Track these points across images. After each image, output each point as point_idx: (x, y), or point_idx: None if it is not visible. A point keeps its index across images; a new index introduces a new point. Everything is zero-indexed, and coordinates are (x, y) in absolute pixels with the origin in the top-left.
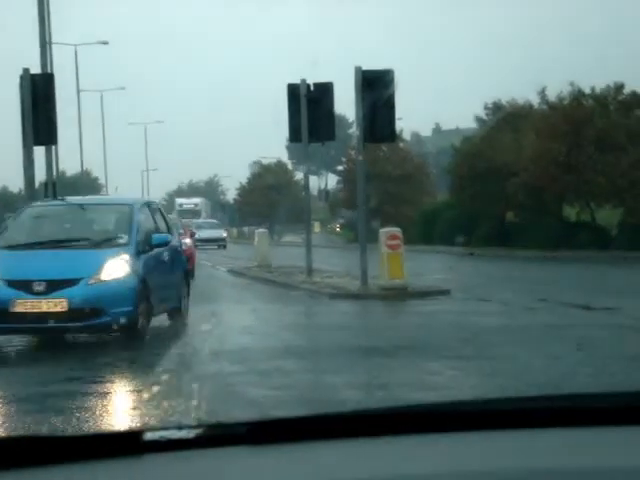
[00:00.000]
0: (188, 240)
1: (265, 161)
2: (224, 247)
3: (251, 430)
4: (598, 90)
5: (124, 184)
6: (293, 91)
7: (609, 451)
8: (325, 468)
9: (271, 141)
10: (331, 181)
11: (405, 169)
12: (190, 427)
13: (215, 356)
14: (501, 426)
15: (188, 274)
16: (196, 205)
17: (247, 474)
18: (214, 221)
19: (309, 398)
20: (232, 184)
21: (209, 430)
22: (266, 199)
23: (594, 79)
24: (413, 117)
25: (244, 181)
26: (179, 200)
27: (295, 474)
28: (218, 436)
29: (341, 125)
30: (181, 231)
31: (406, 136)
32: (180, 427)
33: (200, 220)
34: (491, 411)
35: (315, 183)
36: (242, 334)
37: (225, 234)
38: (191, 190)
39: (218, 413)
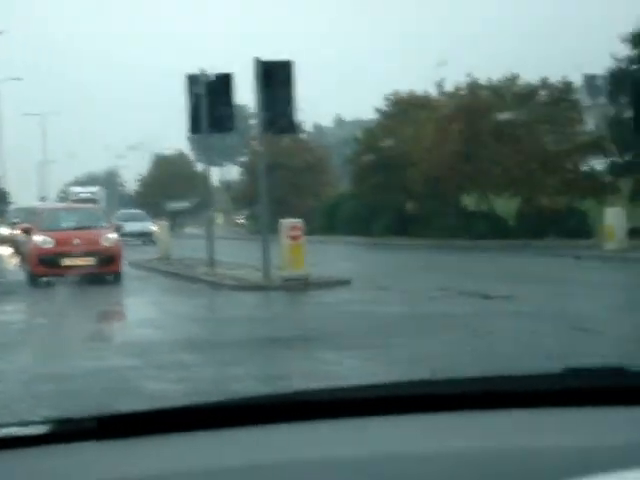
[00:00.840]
0: (113, 235)
1: (166, 152)
2: (153, 243)
3: (102, 424)
4: (494, 81)
5: (21, 177)
6: (193, 82)
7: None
8: (174, 460)
9: (172, 132)
10: (234, 172)
11: (307, 160)
12: (38, 423)
13: (111, 350)
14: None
15: None
16: (93, 194)
17: (96, 470)
18: (140, 211)
19: (208, 391)
20: (132, 176)
21: (58, 426)
22: (167, 190)
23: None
24: (315, 108)
25: (145, 172)
26: (74, 189)
27: (144, 468)
28: (68, 432)
29: (243, 116)
30: (104, 224)
31: (308, 127)
32: (27, 423)
33: (125, 210)
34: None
35: (218, 174)
36: (141, 327)
37: (154, 227)
38: (90, 181)
39: (113, 407)
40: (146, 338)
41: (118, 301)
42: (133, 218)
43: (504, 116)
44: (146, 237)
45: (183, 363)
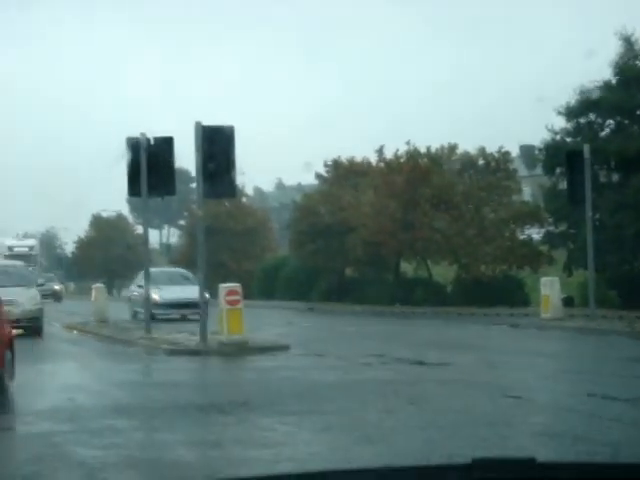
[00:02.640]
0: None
1: (105, 214)
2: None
3: None
4: (433, 150)
5: None
6: (133, 145)
7: None
8: None
9: (113, 194)
10: (173, 235)
11: (247, 224)
12: None
13: (43, 415)
14: None
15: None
16: (31, 248)
17: None
18: (181, 270)
19: (139, 458)
20: (70, 237)
21: None
22: (106, 253)
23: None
24: (256, 172)
25: (83, 234)
26: (7, 242)
27: None
28: None
29: (183, 179)
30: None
31: (249, 191)
32: None
33: (159, 269)
34: None
35: (157, 237)
36: (73, 392)
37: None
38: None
39: (42, 475)
40: (76, 403)
41: (48, 364)
42: (171, 280)
43: (443, 184)
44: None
45: (114, 428)
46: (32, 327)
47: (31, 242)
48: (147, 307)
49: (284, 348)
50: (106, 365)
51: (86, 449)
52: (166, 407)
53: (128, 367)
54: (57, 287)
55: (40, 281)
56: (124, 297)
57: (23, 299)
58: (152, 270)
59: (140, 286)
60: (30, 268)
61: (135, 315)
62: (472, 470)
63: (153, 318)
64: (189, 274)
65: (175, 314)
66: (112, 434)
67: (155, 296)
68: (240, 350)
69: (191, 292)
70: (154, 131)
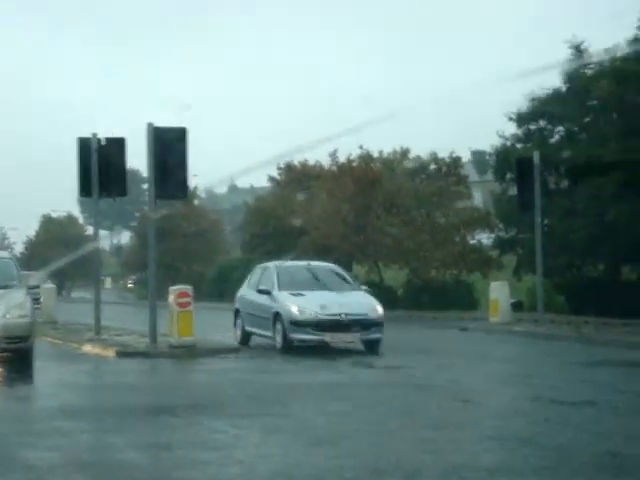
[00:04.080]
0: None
1: (55, 214)
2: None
3: None
4: (385, 154)
5: None
6: (84, 145)
7: None
8: None
9: (63, 194)
10: (125, 237)
11: (200, 226)
12: None
13: None
14: None
15: None
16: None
17: None
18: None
19: (87, 460)
20: (20, 237)
21: None
22: (55, 253)
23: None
24: (208, 174)
25: (33, 235)
26: None
27: None
28: None
29: (135, 180)
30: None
31: (201, 193)
32: None
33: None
34: None
35: (108, 238)
36: (19, 394)
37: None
38: None
39: None
40: (23, 405)
41: None
42: (318, 283)
43: (394, 188)
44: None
45: (62, 430)
46: (16, 352)
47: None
48: (97, 310)
49: (234, 350)
50: (55, 366)
51: (32, 451)
52: (115, 409)
53: (77, 369)
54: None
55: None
56: (74, 298)
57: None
58: (276, 265)
59: (263, 291)
60: None
61: (247, 337)
62: None
63: (290, 345)
64: (344, 272)
65: (329, 339)
66: (60, 436)
67: (293, 308)
68: (190, 352)
69: (358, 303)
70: (106, 132)
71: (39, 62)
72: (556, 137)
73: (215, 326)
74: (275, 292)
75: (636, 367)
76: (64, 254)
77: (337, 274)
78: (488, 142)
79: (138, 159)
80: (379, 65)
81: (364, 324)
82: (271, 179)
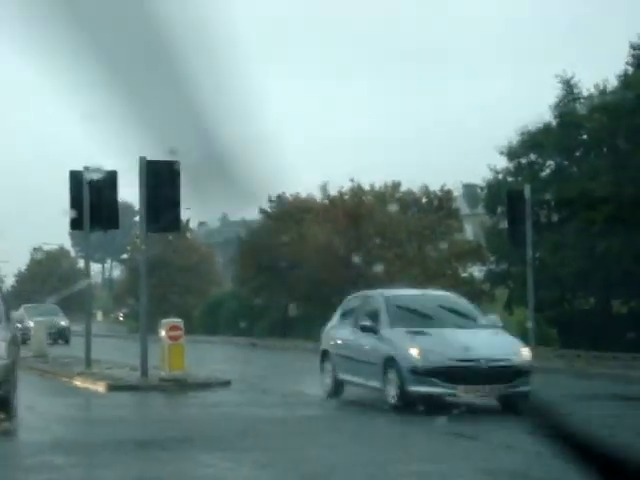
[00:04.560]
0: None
1: (47, 247)
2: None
3: None
4: (377, 187)
5: None
6: (76, 178)
7: None
8: None
9: (55, 227)
10: (116, 270)
11: (191, 259)
12: None
13: None
14: None
15: None
16: None
17: None
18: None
19: None
20: (10, 270)
21: None
22: (47, 286)
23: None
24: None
25: (24, 267)
26: None
27: None
28: None
29: (127, 213)
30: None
31: (193, 226)
32: None
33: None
34: None
35: (99, 271)
36: (8, 428)
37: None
38: None
39: None
40: (13, 439)
41: None
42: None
43: (386, 221)
44: (61, 335)
45: (52, 465)
46: None
47: None
48: (87, 343)
49: (225, 384)
50: (45, 400)
51: None
52: (105, 443)
53: (67, 402)
54: (64, 323)
55: (18, 314)
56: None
57: None
58: (384, 294)
59: (368, 328)
60: None
61: (339, 387)
62: None
63: (408, 400)
64: (470, 304)
65: (462, 392)
66: (49, 470)
67: (413, 351)
68: (181, 386)
69: (497, 343)
70: (97, 165)
71: (25, 93)
72: (547, 171)
73: (206, 359)
74: (385, 330)
75: (625, 401)
76: (55, 287)
77: (461, 305)
78: (479, 175)
79: (130, 191)
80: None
81: (508, 373)
82: (262, 212)
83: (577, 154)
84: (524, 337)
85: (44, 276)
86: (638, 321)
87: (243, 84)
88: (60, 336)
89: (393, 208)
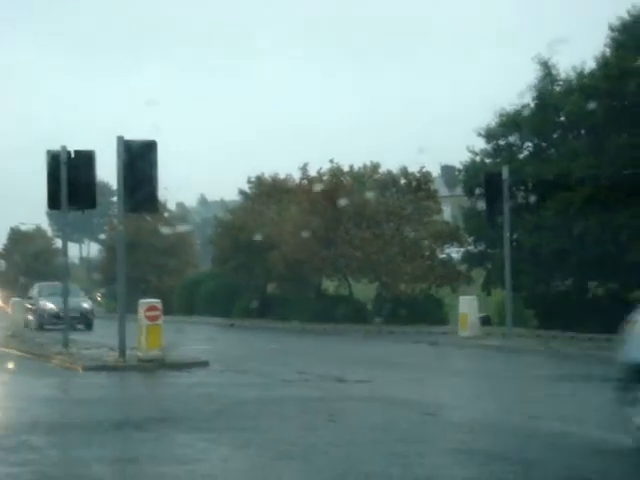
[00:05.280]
0: None
1: (24, 227)
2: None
3: None
4: (356, 168)
5: None
6: (53, 158)
7: None
8: None
9: (32, 207)
10: (94, 249)
11: (169, 239)
12: None
13: None
14: None
15: None
16: None
17: None
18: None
19: (54, 475)
20: None
21: None
22: (24, 266)
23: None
24: (179, 187)
25: (0, 248)
26: None
27: None
28: None
29: (104, 193)
30: None
31: (171, 206)
32: None
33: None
34: None
35: (77, 251)
36: None
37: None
38: None
39: None
40: None
41: None
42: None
43: (365, 202)
44: (82, 320)
45: (30, 445)
46: None
47: None
48: (65, 323)
49: (203, 364)
50: (22, 381)
51: (1, 466)
52: (83, 423)
53: (45, 383)
54: (86, 305)
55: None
56: None
57: None
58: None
59: None
60: None
61: None
62: None
63: None
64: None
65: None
66: (27, 451)
67: None
68: (159, 366)
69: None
70: (75, 145)
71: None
72: (525, 153)
73: (184, 340)
74: None
75: (600, 381)
76: (32, 267)
77: None
78: (457, 157)
79: (108, 171)
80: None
81: None
82: (241, 192)
83: (555, 136)
84: (502, 318)
85: (22, 256)
86: (614, 303)
87: None
88: (80, 320)
89: (371, 189)
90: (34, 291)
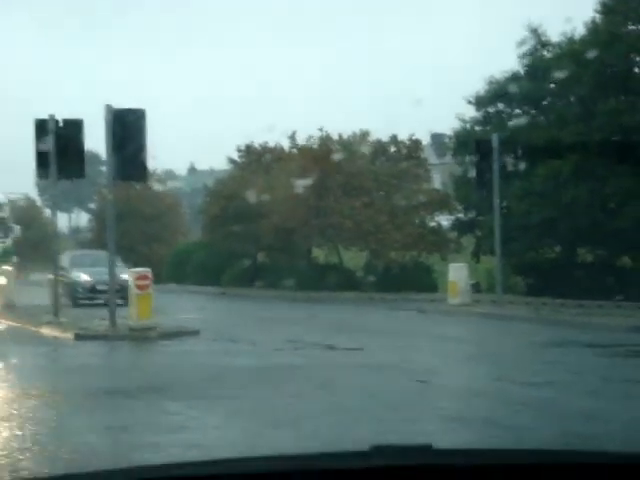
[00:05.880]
0: None
1: (12, 197)
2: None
3: None
4: (345, 136)
5: None
6: (41, 127)
7: None
8: None
9: (20, 176)
10: (83, 219)
11: (158, 208)
12: None
13: None
14: None
15: None
16: None
17: None
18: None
19: (46, 443)
20: None
21: None
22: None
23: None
24: (168, 156)
25: None
26: None
27: None
28: None
29: (93, 162)
30: None
31: (159, 175)
32: None
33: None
34: None
35: (67, 221)
36: None
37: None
38: None
39: None
40: None
41: None
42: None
43: (354, 170)
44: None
45: (21, 415)
46: None
47: None
48: (55, 293)
49: (194, 333)
50: (13, 350)
51: None
52: (73, 392)
53: (35, 352)
54: (125, 276)
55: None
56: (32, 280)
57: None
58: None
59: None
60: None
61: None
62: (371, 457)
63: None
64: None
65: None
66: (18, 419)
67: None
68: (150, 335)
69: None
70: (63, 114)
71: None
72: (514, 120)
73: (175, 309)
74: None
75: (591, 347)
76: (25, 237)
77: None
78: (447, 125)
79: (97, 141)
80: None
81: None
82: (230, 161)
83: (545, 103)
84: (491, 285)
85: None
86: (603, 269)
87: None
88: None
89: (361, 155)
90: (64, 261)
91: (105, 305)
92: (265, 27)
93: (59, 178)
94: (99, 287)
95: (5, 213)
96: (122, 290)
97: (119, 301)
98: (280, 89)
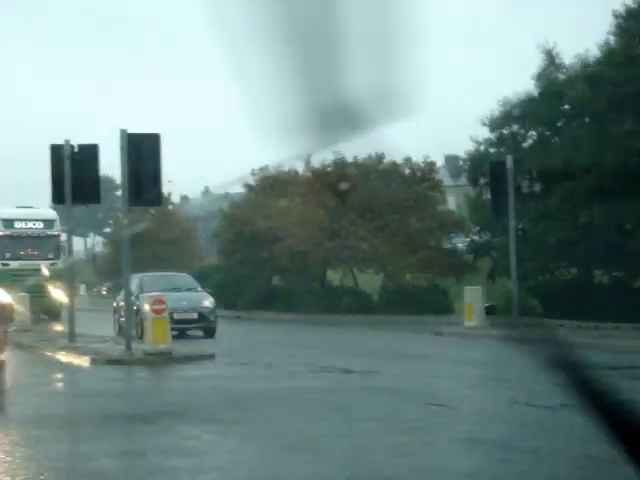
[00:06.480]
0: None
1: None
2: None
3: None
4: (360, 159)
5: None
6: (57, 152)
7: None
8: None
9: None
10: (99, 243)
11: (173, 233)
12: None
13: None
14: None
15: None
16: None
17: None
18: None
19: (61, 468)
20: None
21: None
22: None
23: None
24: (183, 179)
25: None
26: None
27: None
28: None
29: (108, 187)
30: None
31: (175, 199)
32: None
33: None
34: None
35: (82, 245)
36: None
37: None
38: None
39: None
40: None
41: None
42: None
43: (369, 193)
44: (200, 323)
45: (37, 439)
46: None
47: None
48: (71, 317)
49: (210, 357)
50: (29, 374)
51: (8, 461)
52: (90, 417)
53: (51, 377)
54: (207, 303)
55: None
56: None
57: None
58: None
59: None
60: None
61: None
62: None
63: None
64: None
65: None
66: (35, 445)
67: None
68: (165, 359)
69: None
70: (79, 139)
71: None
72: (529, 141)
73: (190, 333)
74: None
75: (609, 370)
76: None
77: None
78: (462, 147)
79: (112, 166)
80: None
81: None
82: (245, 184)
83: (559, 124)
84: (507, 307)
85: None
86: (620, 291)
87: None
88: (198, 324)
89: (376, 177)
90: (133, 284)
91: (181, 337)
92: None
93: (74, 203)
94: (176, 316)
95: (56, 230)
96: (203, 319)
97: (199, 333)
98: None
